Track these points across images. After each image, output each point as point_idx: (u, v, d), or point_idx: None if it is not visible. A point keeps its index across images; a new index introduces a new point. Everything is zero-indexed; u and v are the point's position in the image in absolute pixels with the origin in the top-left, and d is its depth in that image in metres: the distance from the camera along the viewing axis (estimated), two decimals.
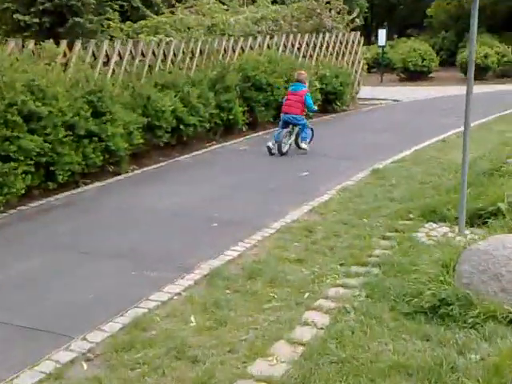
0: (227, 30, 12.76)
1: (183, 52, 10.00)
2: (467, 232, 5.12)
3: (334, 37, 13.59)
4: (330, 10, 14.18)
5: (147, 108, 8.24)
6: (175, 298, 4.12)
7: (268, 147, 8.63)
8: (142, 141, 7.96)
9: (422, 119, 11.49)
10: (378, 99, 14.92)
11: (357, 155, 8.57)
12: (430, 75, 20.87)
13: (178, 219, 5.82)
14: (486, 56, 18.94)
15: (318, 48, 13.11)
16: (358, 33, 14.52)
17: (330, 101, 12.49)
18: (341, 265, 4.54)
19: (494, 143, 7.81)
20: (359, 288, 4.08)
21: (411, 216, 5.61)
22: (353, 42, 14.22)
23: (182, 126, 8.75)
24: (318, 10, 14.01)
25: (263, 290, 4.13)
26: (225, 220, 5.75)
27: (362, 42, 14.70)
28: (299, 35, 12.75)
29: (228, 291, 4.15)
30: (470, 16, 4.85)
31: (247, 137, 10.14)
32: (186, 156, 8.73)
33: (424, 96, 15.52)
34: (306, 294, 4.05)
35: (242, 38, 11.43)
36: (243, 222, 5.71)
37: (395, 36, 24.57)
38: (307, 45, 12.85)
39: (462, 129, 10.27)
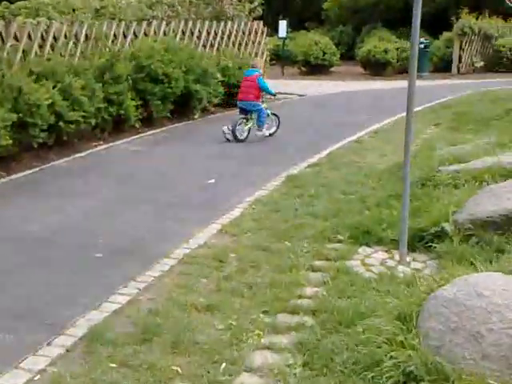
0: (118, 14, 11.33)
1: (66, 36, 8.56)
2: (409, 259, 4.31)
3: (236, 25, 12.54)
4: None
5: (18, 102, 6.87)
6: (37, 378, 2.89)
7: (223, 131, 8.27)
8: (10, 142, 6.60)
9: (332, 117, 10.75)
10: (283, 93, 14.08)
11: (267, 158, 7.59)
12: (331, 69, 20.40)
13: (50, 249, 4.51)
14: (386, 51, 18.73)
15: (219, 37, 12.00)
16: (261, 22, 13.56)
17: (234, 94, 11.39)
18: (264, 313, 3.51)
19: (414, 145, 7.12)
20: (292, 352, 3.06)
21: (340, 237, 4.69)
22: (256, 32, 13.24)
23: (61, 123, 7.34)
24: None
25: (163, 361, 2.99)
26: (112, 248, 4.52)
27: (266, 32, 13.77)
28: (199, 22, 11.58)
29: (113, 364, 2.97)
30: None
31: (141, 135, 8.84)
32: (66, 159, 7.29)
33: (329, 91, 14.92)
34: (223, 365, 2.96)
35: (134, 23, 10.10)
36: (136, 249, 4.52)
37: (289, 30, 23.98)
38: (208, 33, 11.71)
39: (374, 128, 10.04)
